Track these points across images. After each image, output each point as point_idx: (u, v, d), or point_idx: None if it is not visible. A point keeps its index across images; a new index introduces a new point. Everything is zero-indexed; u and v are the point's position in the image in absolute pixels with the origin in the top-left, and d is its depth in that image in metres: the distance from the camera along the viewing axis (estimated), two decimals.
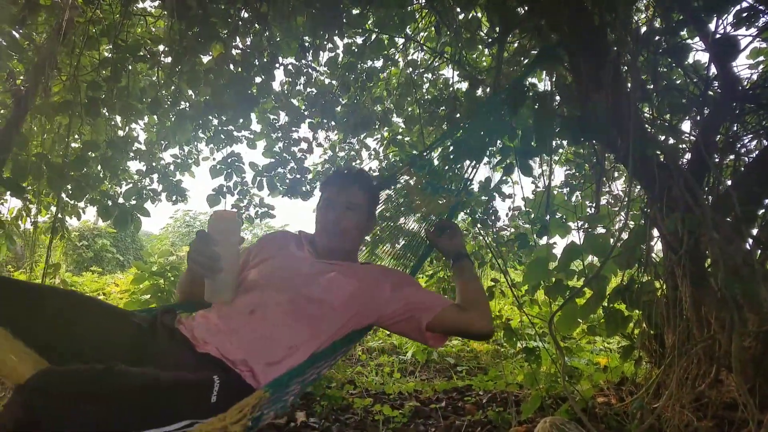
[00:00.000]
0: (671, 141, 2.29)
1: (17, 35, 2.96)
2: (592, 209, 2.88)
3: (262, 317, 1.27)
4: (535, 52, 2.69)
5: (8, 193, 2.93)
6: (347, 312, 1.36)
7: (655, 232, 2.07)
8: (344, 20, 2.87)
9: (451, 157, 2.13)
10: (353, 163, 4.22)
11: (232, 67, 3.12)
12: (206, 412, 0.94)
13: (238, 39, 3.12)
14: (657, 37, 2.06)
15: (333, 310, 1.34)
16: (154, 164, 4.10)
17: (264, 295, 1.33)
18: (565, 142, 3.35)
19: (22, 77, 3.26)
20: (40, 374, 0.82)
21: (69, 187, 3.17)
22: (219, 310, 1.30)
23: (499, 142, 2.45)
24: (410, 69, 3.72)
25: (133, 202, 3.50)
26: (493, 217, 3.01)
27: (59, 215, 3.42)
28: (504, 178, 2.95)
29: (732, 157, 2.20)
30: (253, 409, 0.91)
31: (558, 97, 2.28)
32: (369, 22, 3.16)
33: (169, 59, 3.31)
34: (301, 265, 1.47)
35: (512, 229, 3.41)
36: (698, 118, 2.09)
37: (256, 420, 0.99)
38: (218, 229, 1.23)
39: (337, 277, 1.42)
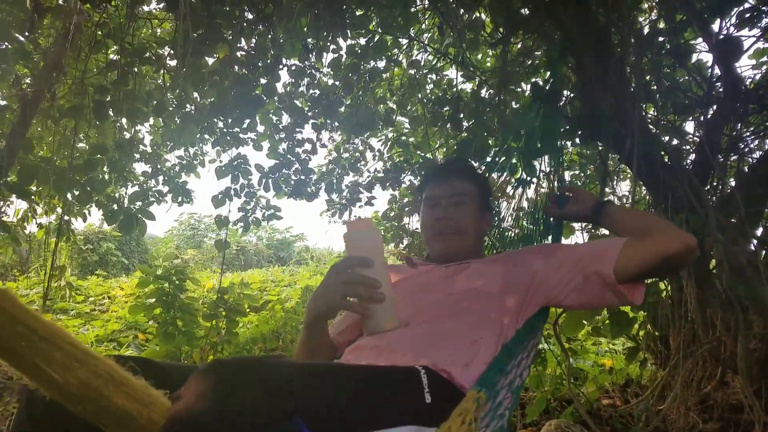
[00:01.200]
0: (675, 141, 2.29)
1: (23, 39, 2.99)
2: None
3: (423, 324, 1.08)
4: (539, 53, 2.69)
5: (14, 196, 2.95)
6: (510, 296, 1.15)
7: None
8: (348, 21, 2.88)
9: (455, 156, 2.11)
10: (357, 165, 4.23)
11: (236, 68, 3.13)
12: (426, 417, 0.82)
13: (243, 40, 3.14)
14: (661, 38, 2.06)
15: (494, 297, 1.14)
16: (159, 166, 4.12)
17: (410, 309, 1.13)
18: (569, 143, 3.35)
19: (28, 81, 3.29)
20: (227, 361, 0.69)
21: (75, 190, 3.19)
22: (368, 342, 1.08)
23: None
24: (414, 70, 3.72)
25: (139, 205, 3.51)
26: (497, 218, 3.00)
27: (65, 217, 3.45)
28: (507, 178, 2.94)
29: (736, 157, 2.20)
30: (475, 420, 0.76)
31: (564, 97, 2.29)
32: (372, 23, 3.17)
33: (174, 62, 3.33)
34: (430, 275, 1.28)
35: (516, 230, 3.40)
36: (702, 118, 2.09)
37: None
38: (359, 243, 1.00)
39: (477, 267, 1.24)
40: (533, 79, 2.24)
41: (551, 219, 1.63)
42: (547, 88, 1.82)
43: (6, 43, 2.86)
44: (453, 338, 1.04)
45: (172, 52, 3.26)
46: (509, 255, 1.33)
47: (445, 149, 3.68)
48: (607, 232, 1.54)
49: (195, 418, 0.60)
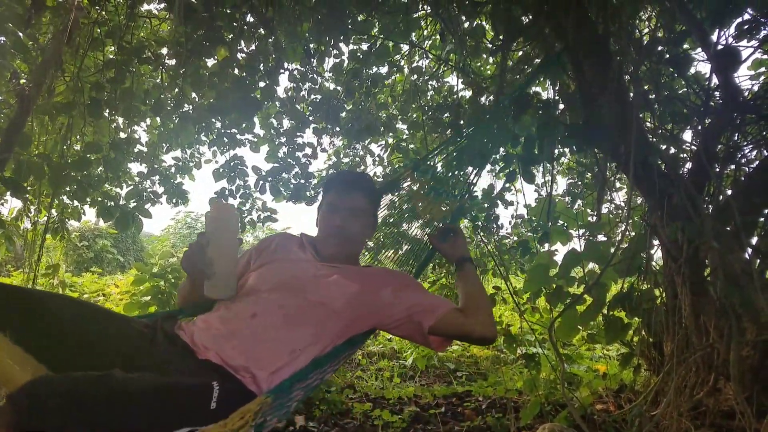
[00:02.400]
0: (672, 150, 2.31)
1: (22, 35, 2.97)
2: (594, 217, 2.89)
3: (264, 321, 1.25)
4: (539, 60, 2.71)
5: (8, 192, 2.93)
6: (349, 315, 1.34)
7: (656, 241, 2.09)
8: (350, 26, 2.89)
9: (454, 163, 2.15)
10: (358, 169, 4.23)
11: (236, 71, 3.13)
12: (206, 419, 0.93)
13: (243, 43, 3.14)
14: (660, 47, 2.09)
15: (335, 313, 1.32)
16: (155, 166, 4.10)
17: (266, 298, 1.31)
18: (567, 151, 3.38)
19: (25, 77, 3.28)
20: (36, 380, 0.81)
21: (70, 188, 3.18)
22: (220, 314, 1.28)
23: (502, 149, 2.46)
24: (415, 76, 3.74)
25: (134, 204, 3.50)
26: (495, 225, 3.02)
27: (60, 215, 3.43)
28: (507, 185, 2.97)
29: (732, 167, 2.22)
30: (255, 416, 0.89)
31: (561, 105, 2.30)
32: (374, 28, 3.18)
33: (173, 62, 3.32)
34: (304, 267, 1.46)
35: (515, 237, 3.43)
36: (699, 127, 2.11)
37: (258, 426, 0.98)
38: (215, 222, 1.24)
39: (339, 279, 1.40)
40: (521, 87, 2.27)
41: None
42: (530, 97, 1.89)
43: (3, 38, 2.84)
44: (277, 344, 1.21)
45: (171, 51, 3.25)
46: (372, 275, 1.48)
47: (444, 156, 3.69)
48: None
49: None
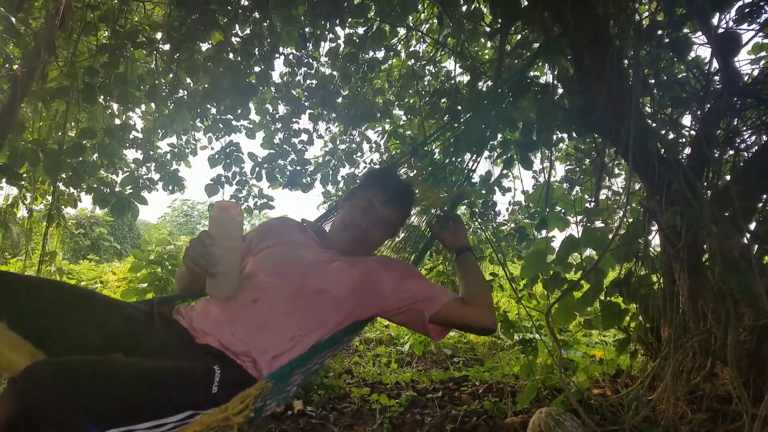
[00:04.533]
0: (671, 135, 2.30)
1: (14, 20, 2.93)
2: (592, 203, 2.88)
3: (265, 307, 1.24)
4: (538, 44, 2.68)
5: (3, 180, 2.91)
6: (350, 302, 1.33)
7: (654, 226, 2.08)
8: (346, 10, 2.85)
9: (452, 149, 2.13)
10: (354, 156, 4.20)
11: (231, 55, 3.09)
12: (207, 403, 0.93)
13: (237, 27, 3.10)
14: (659, 31, 2.06)
15: (336, 301, 1.31)
16: (151, 153, 4.07)
17: (266, 284, 1.30)
18: (566, 136, 3.36)
19: (18, 62, 3.23)
20: (35, 365, 0.81)
21: (65, 174, 3.15)
22: (220, 300, 1.27)
23: (500, 135, 2.43)
24: (412, 60, 3.70)
25: (130, 191, 3.48)
26: (492, 212, 3.01)
27: (55, 202, 3.40)
28: (504, 171, 2.95)
29: (732, 152, 2.21)
30: (255, 400, 0.90)
31: (560, 90, 2.28)
32: (371, 12, 3.14)
33: (167, 46, 3.28)
34: (305, 252, 1.43)
35: (512, 224, 3.42)
36: (699, 112, 2.09)
37: (258, 410, 0.99)
38: (219, 222, 1.20)
39: (340, 266, 1.39)
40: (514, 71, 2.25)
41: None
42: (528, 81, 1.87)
43: None
44: (278, 330, 1.20)
45: (165, 36, 3.21)
46: (373, 264, 1.45)
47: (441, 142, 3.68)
48: None
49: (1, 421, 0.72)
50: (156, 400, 0.88)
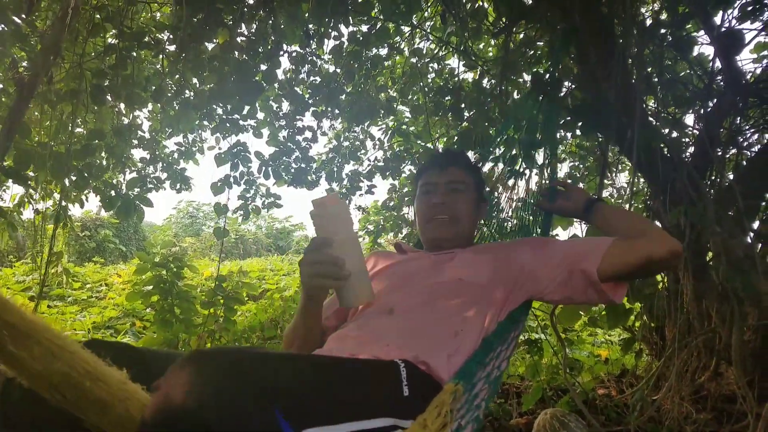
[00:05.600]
0: (675, 134, 2.29)
1: (20, 22, 2.95)
2: None
3: (407, 313, 1.09)
4: (542, 42, 2.68)
5: (10, 181, 2.93)
6: (496, 287, 1.15)
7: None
8: (350, 7, 2.85)
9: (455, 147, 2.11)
10: (358, 153, 4.21)
11: (236, 54, 3.11)
12: (404, 410, 0.82)
13: (243, 26, 3.11)
14: (663, 30, 2.06)
15: (477, 288, 1.14)
16: (157, 152, 4.10)
17: (395, 296, 1.16)
18: (569, 135, 3.35)
19: (25, 64, 3.26)
20: (207, 350, 0.71)
21: (73, 176, 3.18)
22: (349, 327, 1.11)
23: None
24: (416, 58, 3.70)
25: (136, 191, 3.50)
26: (495, 208, 3.00)
27: (62, 203, 3.43)
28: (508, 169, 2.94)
29: (735, 150, 2.21)
30: (451, 412, 0.78)
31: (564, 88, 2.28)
32: (374, 9, 3.15)
33: (173, 47, 3.30)
34: (419, 262, 1.29)
35: (515, 221, 3.40)
36: (702, 111, 2.09)
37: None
38: (324, 220, 1.02)
39: (465, 257, 1.23)
40: (534, 69, 2.24)
41: (542, 213, 1.64)
42: (548, 78, 1.81)
43: (3, 26, 2.83)
44: (435, 329, 1.04)
45: (171, 36, 3.23)
46: (498, 246, 1.33)
47: (445, 139, 3.68)
48: None
49: (174, 410, 0.60)
50: (351, 395, 0.79)
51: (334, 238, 1.00)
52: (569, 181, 3.48)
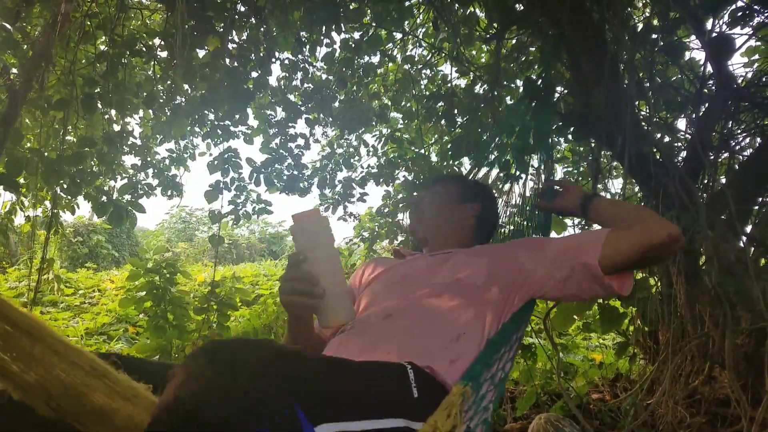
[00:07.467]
0: (667, 139, 2.30)
1: (11, 29, 2.94)
2: None
3: (405, 317, 1.08)
4: (533, 48, 2.69)
5: (1, 188, 2.91)
6: (494, 288, 1.13)
7: None
8: (342, 14, 2.85)
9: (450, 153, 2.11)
10: (352, 160, 4.21)
11: (228, 61, 3.10)
12: (414, 411, 0.81)
13: (234, 33, 3.11)
14: (654, 35, 2.07)
15: (477, 290, 1.13)
16: (149, 159, 4.08)
17: (392, 300, 1.15)
18: (562, 140, 3.36)
19: (15, 71, 3.24)
20: (220, 340, 0.69)
21: (64, 183, 3.15)
22: (347, 334, 1.09)
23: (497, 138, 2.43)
24: (408, 65, 3.71)
25: (128, 197, 3.48)
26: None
27: (54, 210, 3.41)
28: (502, 174, 2.94)
29: (727, 155, 2.22)
30: (460, 413, 0.76)
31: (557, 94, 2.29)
32: (367, 16, 3.15)
33: (164, 53, 3.29)
34: (417, 263, 1.31)
35: (510, 226, 3.41)
36: (694, 116, 2.10)
37: None
38: (302, 235, 1.00)
39: (462, 257, 1.23)
40: (526, 75, 2.25)
41: (541, 214, 1.63)
42: (540, 83, 1.82)
43: None
44: (436, 333, 1.03)
45: (162, 43, 3.22)
46: (495, 247, 1.32)
47: (439, 146, 3.68)
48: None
49: (193, 399, 0.58)
50: (365, 393, 0.79)
51: (309, 255, 0.97)
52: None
